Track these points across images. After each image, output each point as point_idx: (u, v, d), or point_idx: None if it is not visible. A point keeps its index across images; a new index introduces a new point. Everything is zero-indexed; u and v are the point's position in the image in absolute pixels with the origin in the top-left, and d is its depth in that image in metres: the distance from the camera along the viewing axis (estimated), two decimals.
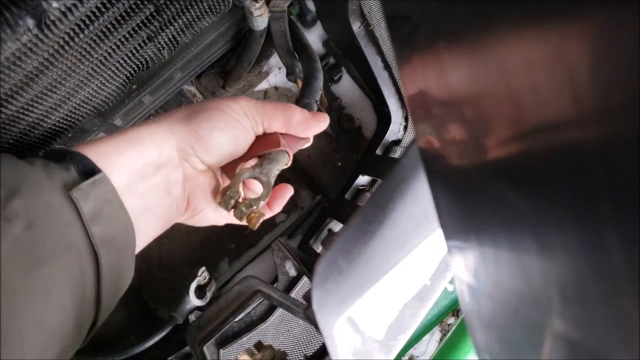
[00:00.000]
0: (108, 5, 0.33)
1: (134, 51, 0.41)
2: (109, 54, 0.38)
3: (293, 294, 0.54)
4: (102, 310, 0.33)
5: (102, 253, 0.32)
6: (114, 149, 0.35)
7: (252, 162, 0.41)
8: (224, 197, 0.39)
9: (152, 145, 0.37)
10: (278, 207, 0.45)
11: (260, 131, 0.41)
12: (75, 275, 0.30)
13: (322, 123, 0.43)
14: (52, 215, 0.30)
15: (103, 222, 0.33)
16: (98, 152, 0.34)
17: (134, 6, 0.36)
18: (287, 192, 0.45)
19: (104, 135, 0.38)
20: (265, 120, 0.41)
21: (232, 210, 0.39)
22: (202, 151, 0.38)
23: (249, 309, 0.52)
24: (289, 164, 0.42)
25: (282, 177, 0.43)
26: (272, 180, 0.41)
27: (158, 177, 0.37)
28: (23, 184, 0.30)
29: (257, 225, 0.39)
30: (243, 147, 0.40)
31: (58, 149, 0.35)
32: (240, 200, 0.40)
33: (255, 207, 0.40)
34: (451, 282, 0.28)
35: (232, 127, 0.39)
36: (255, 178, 0.40)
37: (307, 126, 0.42)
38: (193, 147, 0.38)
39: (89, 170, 0.34)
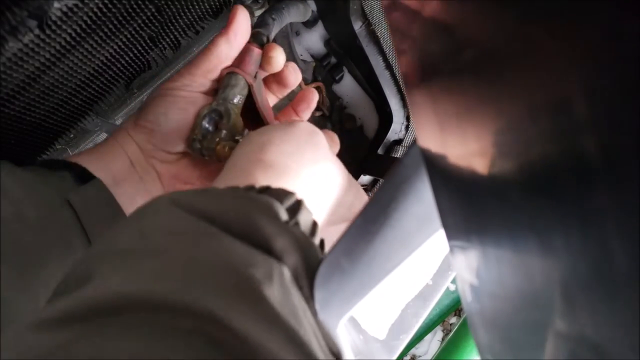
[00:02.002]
0: (109, 6, 0.33)
1: (136, 52, 0.41)
2: (111, 54, 0.38)
3: None
4: None
5: None
6: (95, 159, 0.36)
7: None
8: (188, 142, 0.39)
9: (118, 155, 0.37)
10: (305, 113, 0.43)
11: (209, 86, 0.40)
12: None
13: (238, 20, 0.38)
14: (52, 217, 0.30)
15: (102, 222, 0.33)
16: (84, 162, 0.35)
17: (135, 6, 0.36)
18: (312, 95, 0.43)
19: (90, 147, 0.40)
20: (204, 74, 0.39)
21: (201, 152, 0.39)
22: (161, 142, 0.38)
23: None
24: (252, 84, 0.40)
25: None
26: (234, 107, 0.39)
27: (134, 181, 0.37)
28: (22, 189, 0.30)
29: (228, 153, 0.37)
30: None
31: (52, 160, 0.36)
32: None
33: (218, 138, 0.38)
34: (453, 281, 0.28)
35: (175, 105, 0.38)
36: (216, 112, 0.39)
37: (230, 39, 0.38)
38: (150, 142, 0.38)
39: (84, 177, 0.34)
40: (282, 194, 0.25)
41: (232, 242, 0.21)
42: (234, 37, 0.38)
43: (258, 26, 0.41)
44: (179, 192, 0.25)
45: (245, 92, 0.40)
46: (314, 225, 0.25)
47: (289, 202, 0.24)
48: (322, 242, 0.25)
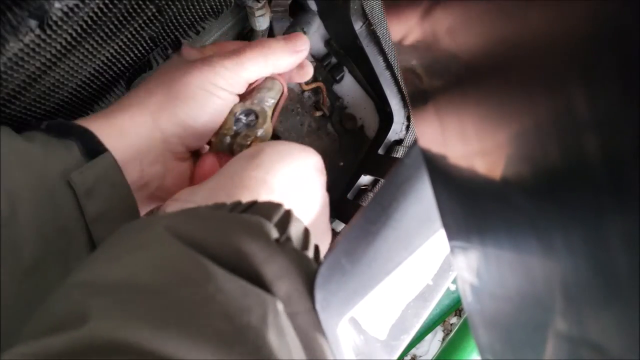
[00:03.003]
0: (110, 6, 0.33)
1: (136, 52, 0.41)
2: (111, 54, 0.38)
3: None
4: None
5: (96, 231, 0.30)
6: (108, 125, 0.33)
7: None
8: (217, 137, 0.38)
9: (135, 137, 0.34)
10: (300, 76, 0.42)
11: (245, 89, 0.39)
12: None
13: (299, 43, 0.39)
14: (45, 198, 0.28)
15: (109, 214, 0.31)
16: (96, 127, 0.32)
17: (136, 6, 0.36)
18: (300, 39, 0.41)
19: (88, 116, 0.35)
20: (251, 79, 0.38)
21: (230, 151, 0.38)
22: (192, 138, 0.37)
23: None
24: (286, 93, 0.41)
25: None
26: (268, 109, 0.40)
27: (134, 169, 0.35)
28: (19, 169, 0.27)
29: None
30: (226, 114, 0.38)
31: (62, 123, 0.32)
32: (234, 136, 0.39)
33: (253, 137, 0.38)
34: (454, 281, 0.28)
35: (216, 106, 0.37)
36: (252, 111, 0.39)
37: (294, 62, 0.39)
38: (181, 136, 0.36)
39: (94, 149, 0.31)
40: (270, 209, 0.25)
41: (225, 280, 0.20)
42: (297, 60, 0.39)
43: None
44: (174, 216, 0.24)
45: (278, 97, 0.41)
46: (306, 233, 0.25)
47: (278, 216, 0.24)
48: (316, 248, 0.25)
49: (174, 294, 0.20)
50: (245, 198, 0.27)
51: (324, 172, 0.36)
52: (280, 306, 0.21)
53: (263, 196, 0.29)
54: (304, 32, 0.46)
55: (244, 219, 0.23)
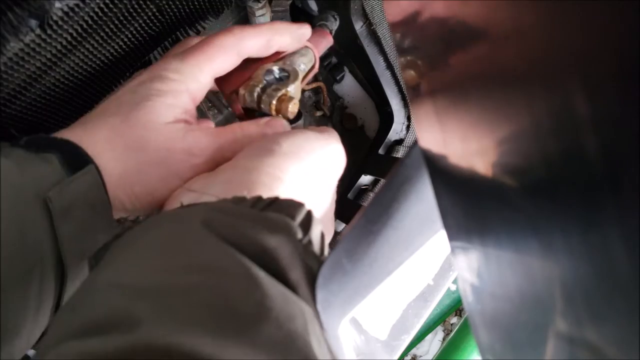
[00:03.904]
0: (111, 6, 0.33)
1: (137, 51, 0.41)
2: (112, 54, 0.38)
3: None
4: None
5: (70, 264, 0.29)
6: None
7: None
8: (246, 88, 0.37)
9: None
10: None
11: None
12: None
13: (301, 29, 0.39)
14: (16, 218, 0.26)
15: (77, 221, 0.29)
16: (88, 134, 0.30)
17: (136, 6, 0.36)
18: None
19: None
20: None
21: (258, 104, 0.37)
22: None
23: None
24: (317, 65, 0.41)
25: None
26: (300, 72, 0.39)
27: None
28: None
29: (290, 110, 0.36)
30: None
31: (42, 137, 0.30)
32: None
33: (284, 90, 0.37)
34: (454, 281, 0.28)
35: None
36: (283, 69, 0.38)
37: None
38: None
39: (77, 160, 0.29)
40: (294, 208, 0.24)
41: (270, 285, 0.20)
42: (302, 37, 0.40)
43: (323, 20, 0.44)
44: (207, 211, 0.23)
45: (310, 66, 0.40)
46: (323, 237, 0.25)
47: (301, 216, 0.24)
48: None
49: (222, 299, 0.19)
50: (262, 194, 0.26)
51: (343, 160, 0.35)
52: (314, 314, 0.21)
53: (278, 193, 0.29)
54: (335, 18, 0.47)
55: (271, 219, 0.23)
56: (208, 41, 0.35)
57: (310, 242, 0.23)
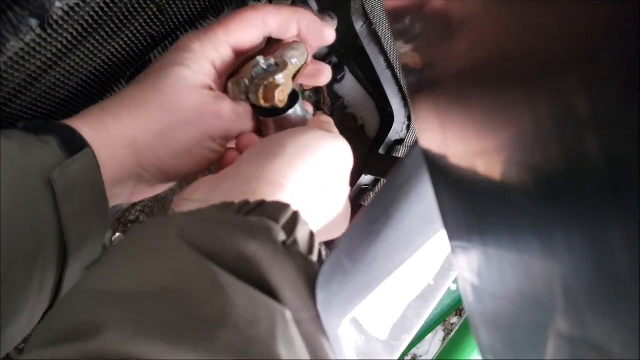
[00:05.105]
0: (111, 5, 0.33)
1: (137, 51, 0.41)
2: (112, 53, 0.38)
3: None
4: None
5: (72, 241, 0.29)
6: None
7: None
8: (234, 82, 0.37)
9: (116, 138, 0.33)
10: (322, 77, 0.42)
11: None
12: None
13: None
14: (23, 196, 0.27)
15: (78, 200, 0.30)
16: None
17: (136, 5, 0.36)
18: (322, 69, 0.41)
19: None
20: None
21: (246, 95, 0.37)
22: (166, 155, 0.35)
23: None
24: (310, 60, 0.41)
25: None
26: (290, 65, 0.38)
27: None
28: None
29: (277, 97, 0.36)
30: None
31: (40, 122, 0.31)
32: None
33: (271, 79, 0.37)
34: (454, 281, 0.28)
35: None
36: (271, 61, 0.38)
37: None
38: (155, 149, 0.35)
39: (74, 145, 0.30)
40: (278, 210, 0.24)
41: (235, 291, 0.20)
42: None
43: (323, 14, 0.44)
44: (185, 220, 0.24)
45: (303, 60, 0.40)
46: (312, 237, 0.25)
47: (285, 217, 0.24)
48: (320, 252, 0.25)
49: (185, 306, 0.20)
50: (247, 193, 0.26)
51: (349, 155, 0.35)
52: (288, 315, 0.20)
53: (280, 200, 0.29)
54: (331, 18, 0.47)
55: (251, 223, 0.23)
56: (229, 14, 0.37)
57: (295, 242, 0.23)
